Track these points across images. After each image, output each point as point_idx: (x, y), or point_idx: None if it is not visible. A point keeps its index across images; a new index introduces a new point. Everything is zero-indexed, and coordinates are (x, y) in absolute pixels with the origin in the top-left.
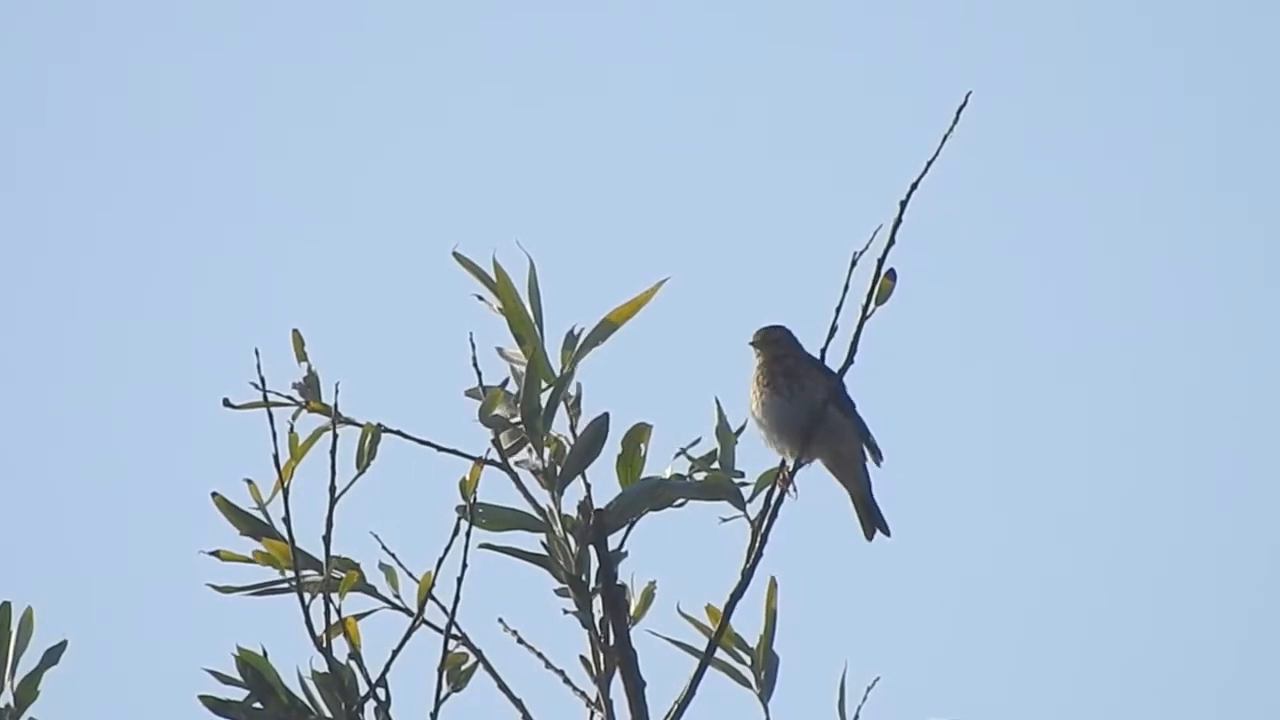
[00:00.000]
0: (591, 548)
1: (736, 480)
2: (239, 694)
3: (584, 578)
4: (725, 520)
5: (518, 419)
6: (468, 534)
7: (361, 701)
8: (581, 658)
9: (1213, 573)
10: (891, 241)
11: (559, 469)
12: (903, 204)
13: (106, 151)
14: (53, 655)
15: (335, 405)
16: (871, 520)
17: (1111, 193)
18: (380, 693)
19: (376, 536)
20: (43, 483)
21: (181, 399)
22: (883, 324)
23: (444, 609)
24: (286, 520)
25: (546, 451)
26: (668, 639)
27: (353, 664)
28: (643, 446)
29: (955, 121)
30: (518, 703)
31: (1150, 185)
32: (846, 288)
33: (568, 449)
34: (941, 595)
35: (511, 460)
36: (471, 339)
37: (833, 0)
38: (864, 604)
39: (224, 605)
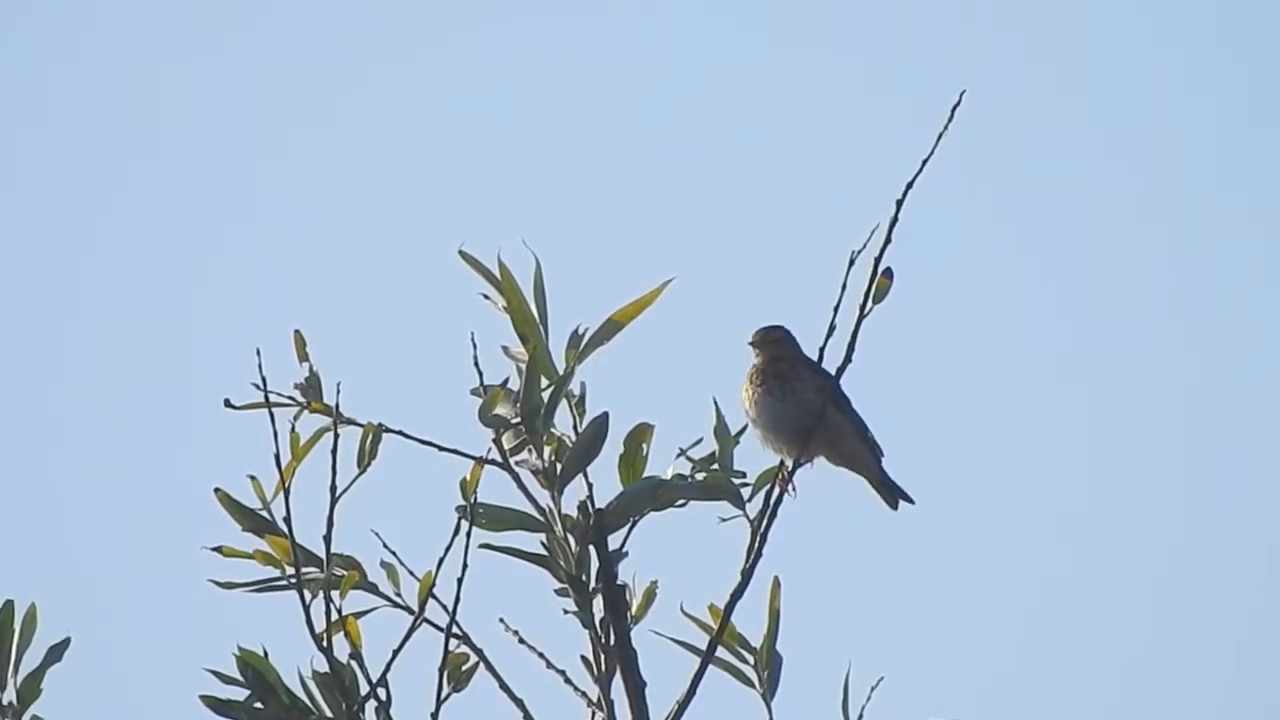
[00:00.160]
0: (592, 548)
1: (736, 480)
2: (240, 694)
3: (584, 578)
4: (724, 520)
5: (519, 419)
6: (468, 534)
7: (362, 701)
8: (582, 658)
9: (1213, 572)
10: (888, 240)
11: (559, 468)
12: (899, 203)
13: (106, 151)
14: (56, 653)
15: (337, 405)
16: (891, 493)
17: (1111, 192)
18: (381, 693)
19: (377, 534)
20: (45, 482)
21: (183, 399)
22: (880, 323)
23: (445, 609)
24: (288, 520)
25: (547, 451)
26: (669, 638)
27: (353, 664)
28: (645, 446)
29: (949, 120)
30: (519, 703)
31: (1150, 185)
32: (844, 287)
33: (569, 448)
34: (943, 595)
35: (513, 460)
36: (473, 338)
37: (832, 0)
38: (864, 604)
39: (225, 604)
